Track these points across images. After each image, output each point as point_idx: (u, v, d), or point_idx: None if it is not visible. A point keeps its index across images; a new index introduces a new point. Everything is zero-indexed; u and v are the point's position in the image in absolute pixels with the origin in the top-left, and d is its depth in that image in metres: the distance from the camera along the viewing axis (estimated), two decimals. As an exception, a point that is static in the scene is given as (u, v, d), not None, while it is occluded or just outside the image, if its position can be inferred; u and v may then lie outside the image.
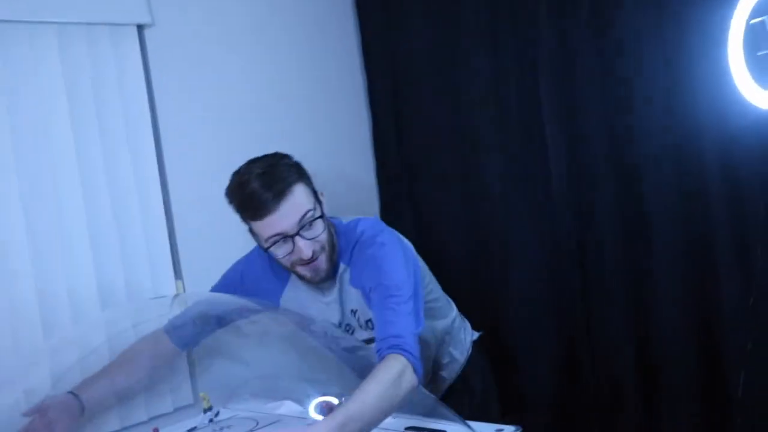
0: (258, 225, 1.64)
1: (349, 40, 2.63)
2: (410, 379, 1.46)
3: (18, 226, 1.74)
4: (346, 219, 1.81)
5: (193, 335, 1.87)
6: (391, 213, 2.65)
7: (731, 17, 1.78)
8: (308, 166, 2.36)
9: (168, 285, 2.01)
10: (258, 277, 1.85)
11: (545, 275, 2.29)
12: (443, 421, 1.61)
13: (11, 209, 1.74)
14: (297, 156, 2.31)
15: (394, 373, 1.45)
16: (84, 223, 1.85)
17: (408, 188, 2.61)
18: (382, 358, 1.48)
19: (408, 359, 1.47)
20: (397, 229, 2.52)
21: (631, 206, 2.10)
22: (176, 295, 1.92)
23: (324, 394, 1.68)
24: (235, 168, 1.71)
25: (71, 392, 1.67)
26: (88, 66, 1.88)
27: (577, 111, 2.16)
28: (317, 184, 1.90)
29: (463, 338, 1.99)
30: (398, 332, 1.53)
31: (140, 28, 2.01)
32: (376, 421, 1.40)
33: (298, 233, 1.64)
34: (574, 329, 2.25)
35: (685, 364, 2.03)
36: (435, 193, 2.53)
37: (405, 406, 1.70)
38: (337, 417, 1.34)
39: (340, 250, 1.77)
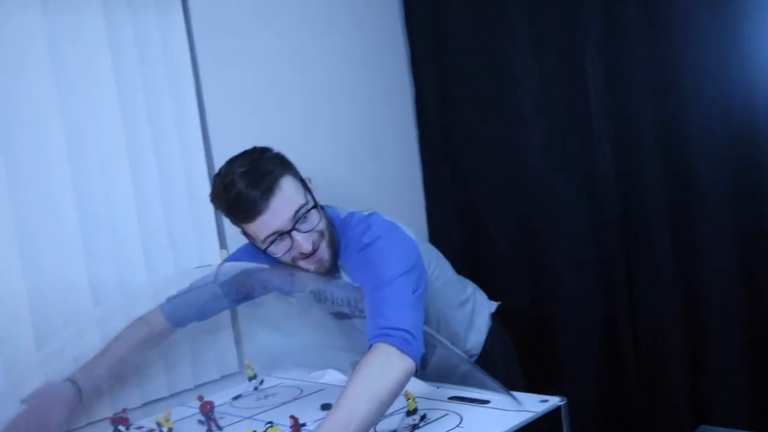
0: (251, 227, 1.59)
1: (392, 18, 2.63)
2: (396, 364, 1.38)
3: (66, 195, 1.76)
4: (343, 212, 1.76)
5: (189, 314, 1.87)
6: (434, 191, 2.66)
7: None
8: (350, 142, 2.43)
9: (213, 254, 2.03)
10: None
11: (589, 249, 2.28)
12: (487, 391, 1.61)
13: (60, 178, 1.76)
14: (340, 131, 2.39)
15: (375, 367, 1.38)
16: (130, 191, 1.86)
17: (451, 166, 2.61)
18: (372, 343, 1.42)
19: (390, 342, 1.39)
20: (440, 206, 2.62)
21: (679, 179, 2.07)
22: (219, 265, 1.94)
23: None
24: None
25: (70, 379, 1.67)
26: (133, 36, 1.88)
27: (623, 82, 2.13)
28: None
29: (478, 320, 1.95)
30: (381, 318, 1.46)
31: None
32: (367, 422, 1.34)
33: (294, 228, 1.59)
34: (617, 304, 2.25)
35: (732, 339, 2.01)
36: (479, 168, 2.52)
37: (447, 379, 1.71)
38: None
39: (338, 242, 1.73)
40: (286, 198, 1.56)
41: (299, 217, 1.57)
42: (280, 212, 1.55)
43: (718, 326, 2.04)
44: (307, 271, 1.68)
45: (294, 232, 1.57)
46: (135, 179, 1.87)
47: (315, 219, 1.61)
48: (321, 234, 1.62)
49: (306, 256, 1.62)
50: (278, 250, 1.60)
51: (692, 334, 2.11)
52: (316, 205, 1.62)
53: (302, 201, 1.58)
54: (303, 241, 1.58)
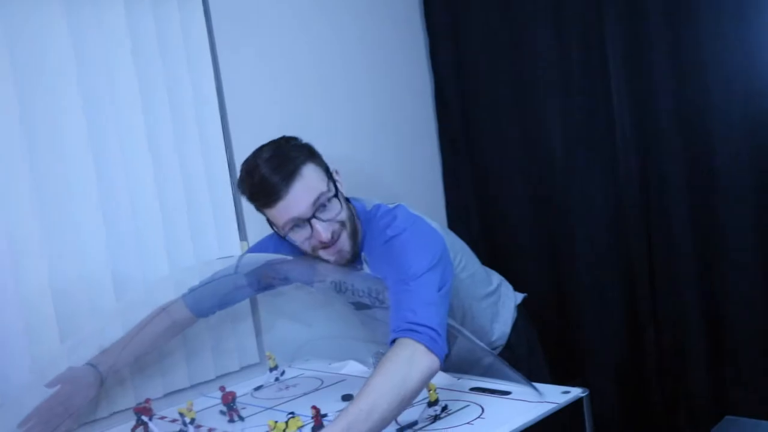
0: (272, 213, 1.60)
1: (411, 7, 2.65)
2: (422, 360, 1.39)
3: (88, 189, 1.78)
4: (369, 204, 1.76)
5: (211, 304, 1.89)
6: (453, 181, 2.67)
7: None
8: (370, 132, 2.45)
9: (233, 246, 2.05)
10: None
11: (611, 239, 2.30)
12: (508, 382, 1.63)
13: (82, 172, 1.78)
14: (360, 121, 2.41)
15: (401, 362, 1.38)
16: (151, 185, 1.88)
17: (470, 156, 2.63)
18: (391, 343, 1.43)
19: (418, 339, 1.40)
20: (458, 193, 2.63)
21: (700, 169, 2.06)
22: (241, 256, 1.98)
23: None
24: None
25: (90, 364, 1.70)
26: (153, 27, 1.91)
27: (643, 66, 2.13)
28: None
29: (503, 312, 1.96)
30: (409, 312, 1.47)
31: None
32: (388, 415, 1.35)
33: (313, 216, 1.59)
34: (639, 295, 2.26)
35: (754, 329, 2.01)
36: (498, 158, 2.54)
37: (469, 370, 1.73)
38: (340, 423, 1.28)
39: (362, 234, 1.73)
40: (306, 185, 1.56)
41: (319, 205, 1.58)
42: (300, 198, 1.56)
43: (739, 317, 2.04)
44: (327, 262, 1.68)
45: (314, 220, 1.57)
46: (156, 173, 1.90)
47: (336, 208, 1.61)
48: (342, 224, 1.62)
49: (325, 245, 1.62)
50: (298, 237, 1.61)
51: (714, 325, 2.11)
52: (337, 195, 1.62)
53: (323, 189, 1.59)
54: (322, 229, 1.58)
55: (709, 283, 2.09)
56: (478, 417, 1.48)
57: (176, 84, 1.95)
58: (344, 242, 1.65)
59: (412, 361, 1.37)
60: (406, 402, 1.36)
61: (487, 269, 1.97)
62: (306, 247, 1.64)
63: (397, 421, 1.43)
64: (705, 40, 1.99)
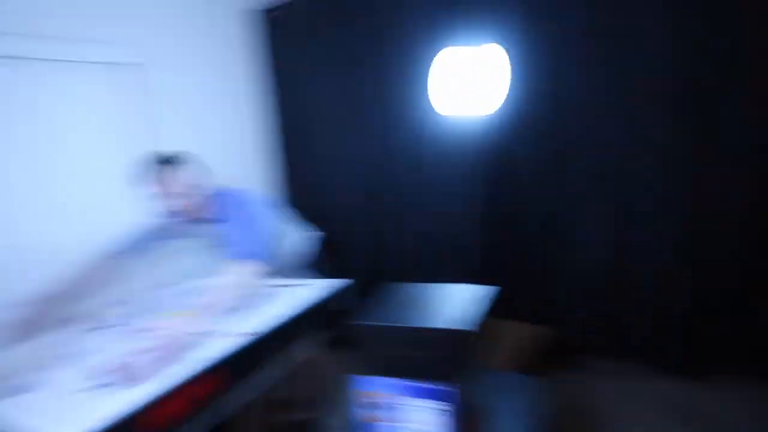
0: (152, 191, 2.13)
1: (257, 57, 3.52)
2: (248, 270, 1.94)
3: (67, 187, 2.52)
4: (223, 188, 2.27)
5: (132, 253, 2.39)
6: (282, 171, 3.58)
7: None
8: (230, 144, 3.28)
9: (143, 218, 2.56)
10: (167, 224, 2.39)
11: (359, 194, 3.34)
12: (304, 280, 2.42)
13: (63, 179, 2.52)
14: (224, 136, 3.31)
15: (236, 272, 1.92)
16: (97, 185, 2.66)
17: (293, 158, 3.54)
18: (233, 260, 1.97)
19: (247, 259, 1.96)
20: (283, 180, 3.50)
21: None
22: (144, 225, 2.48)
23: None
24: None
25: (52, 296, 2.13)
26: (106, 91, 2.65)
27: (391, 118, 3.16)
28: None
29: (304, 244, 2.55)
30: (241, 245, 2.00)
31: (138, 66, 2.80)
32: (229, 302, 1.89)
33: (171, 193, 2.12)
34: (380, 221, 3.25)
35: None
36: (326, 146, 3.45)
37: (281, 275, 2.44)
38: (200, 308, 1.82)
39: (215, 206, 2.22)
40: (171, 176, 2.15)
41: (177, 187, 2.15)
42: (165, 184, 2.15)
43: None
44: (181, 219, 2.27)
45: (171, 195, 2.17)
46: (107, 177, 2.69)
47: (188, 189, 2.17)
48: (192, 197, 2.20)
49: (178, 210, 2.20)
50: (165, 205, 2.20)
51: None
52: (192, 182, 2.17)
53: (184, 179, 2.16)
54: (175, 200, 2.18)
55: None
56: (285, 298, 2.21)
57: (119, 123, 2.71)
58: (194, 210, 2.23)
59: (242, 271, 2.01)
60: (240, 292, 1.98)
61: (295, 222, 2.66)
62: (169, 209, 2.20)
63: (236, 308, 2.07)
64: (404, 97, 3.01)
